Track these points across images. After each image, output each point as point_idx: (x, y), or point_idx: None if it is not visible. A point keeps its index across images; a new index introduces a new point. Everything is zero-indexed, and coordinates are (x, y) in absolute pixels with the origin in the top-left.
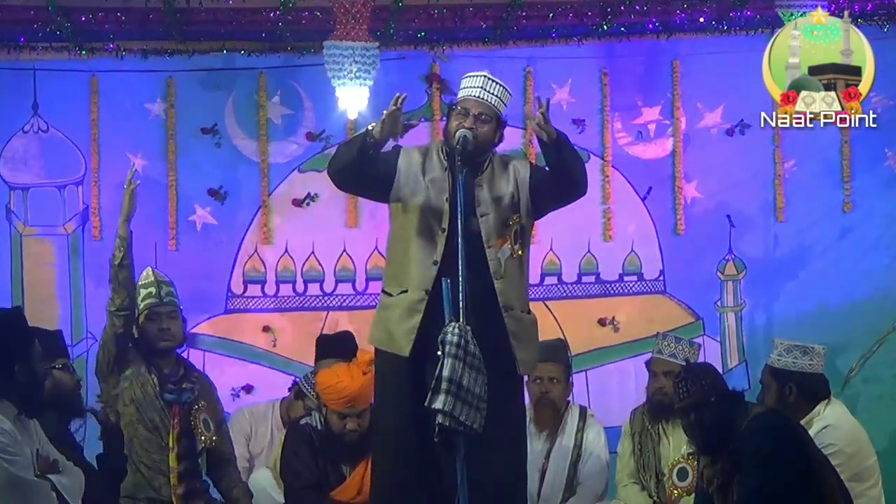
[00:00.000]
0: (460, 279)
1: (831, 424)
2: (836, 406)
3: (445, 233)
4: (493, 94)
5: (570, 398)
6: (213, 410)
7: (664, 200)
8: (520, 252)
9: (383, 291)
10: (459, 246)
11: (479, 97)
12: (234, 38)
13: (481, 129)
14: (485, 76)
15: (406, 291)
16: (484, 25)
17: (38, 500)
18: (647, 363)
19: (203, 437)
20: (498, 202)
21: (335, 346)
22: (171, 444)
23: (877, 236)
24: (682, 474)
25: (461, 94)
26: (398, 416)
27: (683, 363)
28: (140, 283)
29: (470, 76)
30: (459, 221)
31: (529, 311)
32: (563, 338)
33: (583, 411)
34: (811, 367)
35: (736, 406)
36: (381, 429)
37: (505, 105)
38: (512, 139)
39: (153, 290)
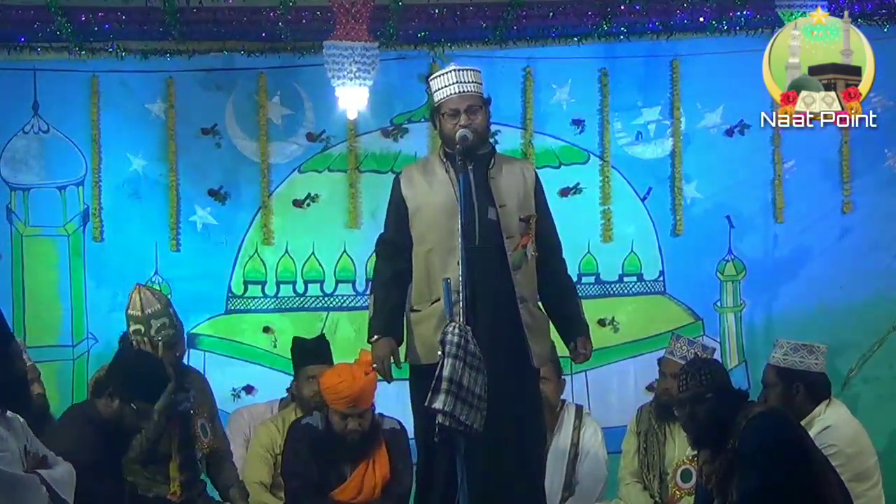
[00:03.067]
0: (460, 277)
1: (832, 425)
2: (837, 406)
3: (461, 230)
4: (469, 82)
5: (566, 397)
6: (208, 410)
7: (664, 201)
8: (535, 252)
9: (411, 310)
10: (459, 244)
11: (459, 92)
12: (234, 38)
13: (476, 120)
14: (453, 71)
15: (438, 300)
16: (484, 25)
17: (27, 495)
18: (659, 361)
19: (202, 444)
20: (513, 194)
21: (315, 352)
22: (171, 453)
23: (876, 237)
24: (686, 476)
25: (438, 96)
26: None
27: (668, 357)
28: (129, 309)
29: (437, 77)
30: (461, 217)
31: (540, 308)
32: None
33: (579, 410)
34: (817, 367)
35: (735, 404)
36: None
37: (481, 84)
38: (512, 139)
39: (141, 327)
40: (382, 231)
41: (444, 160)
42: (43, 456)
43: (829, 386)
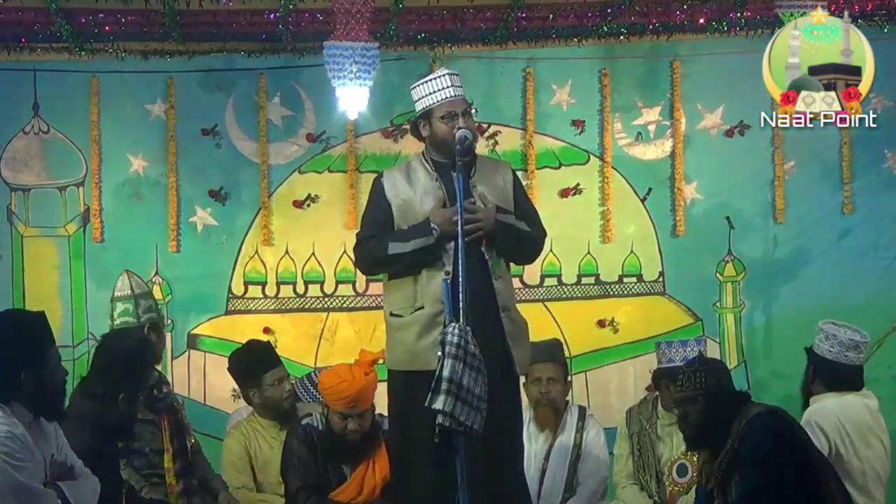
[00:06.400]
0: (460, 279)
1: (826, 405)
2: (851, 396)
3: (451, 239)
4: (459, 86)
5: (569, 398)
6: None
7: (664, 201)
8: None
9: (391, 314)
10: (459, 247)
11: (455, 96)
12: (234, 39)
13: (471, 123)
14: (446, 75)
15: (422, 308)
16: (484, 26)
17: None
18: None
19: (190, 434)
20: (496, 200)
21: (270, 358)
22: (165, 444)
23: (876, 237)
24: (682, 470)
25: (431, 100)
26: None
27: (666, 365)
28: (116, 291)
29: (428, 81)
30: (459, 219)
31: (520, 314)
32: (558, 338)
33: (582, 411)
34: (830, 354)
35: (729, 407)
36: (408, 439)
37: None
38: (512, 139)
39: (130, 306)
40: (359, 231)
41: (432, 168)
42: (70, 466)
43: (847, 377)
